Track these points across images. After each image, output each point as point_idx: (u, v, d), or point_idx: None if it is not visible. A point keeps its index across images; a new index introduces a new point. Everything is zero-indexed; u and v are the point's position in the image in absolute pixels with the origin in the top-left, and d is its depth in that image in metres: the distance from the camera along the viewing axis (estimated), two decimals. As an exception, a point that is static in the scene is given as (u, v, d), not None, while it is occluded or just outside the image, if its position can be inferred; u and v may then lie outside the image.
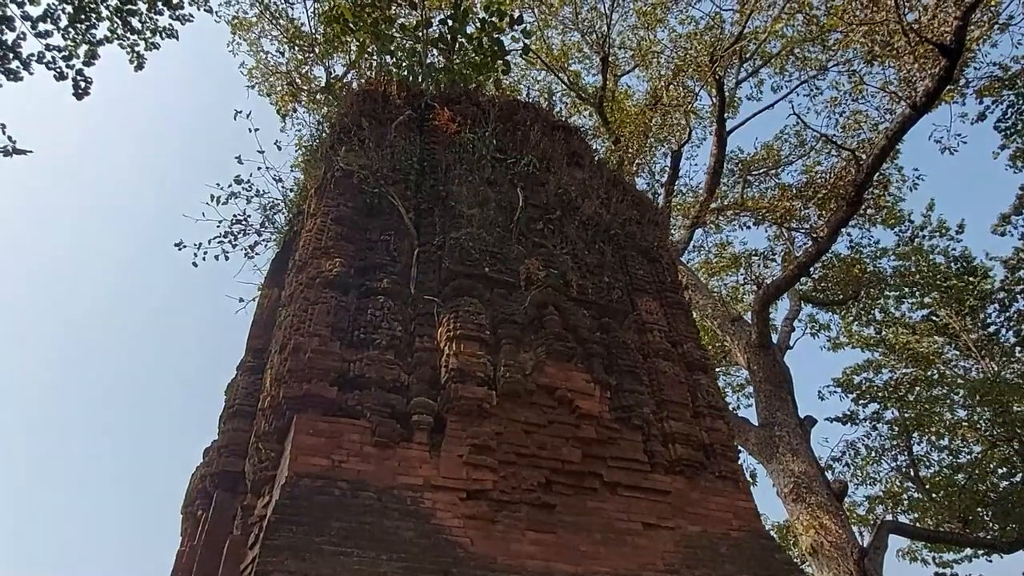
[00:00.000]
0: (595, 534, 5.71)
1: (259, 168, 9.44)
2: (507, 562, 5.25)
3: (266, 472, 5.99)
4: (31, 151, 9.35)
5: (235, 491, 6.84)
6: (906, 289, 15.97)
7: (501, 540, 5.41)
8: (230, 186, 9.37)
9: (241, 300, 9.31)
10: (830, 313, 16.14)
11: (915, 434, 14.60)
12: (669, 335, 7.46)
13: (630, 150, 14.09)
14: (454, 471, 5.63)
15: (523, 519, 5.58)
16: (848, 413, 15.54)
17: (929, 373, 15.52)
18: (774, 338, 13.28)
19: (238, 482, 6.80)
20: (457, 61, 9.89)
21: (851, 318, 15.92)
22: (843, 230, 12.77)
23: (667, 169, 15.10)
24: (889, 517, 13.42)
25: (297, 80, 13.60)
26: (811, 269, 13.29)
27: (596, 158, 9.40)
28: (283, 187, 9.44)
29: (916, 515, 14.45)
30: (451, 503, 5.50)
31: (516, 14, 10.86)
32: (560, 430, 6.02)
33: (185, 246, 9.62)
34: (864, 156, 11.91)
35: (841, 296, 14.87)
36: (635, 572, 5.55)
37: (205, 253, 9.62)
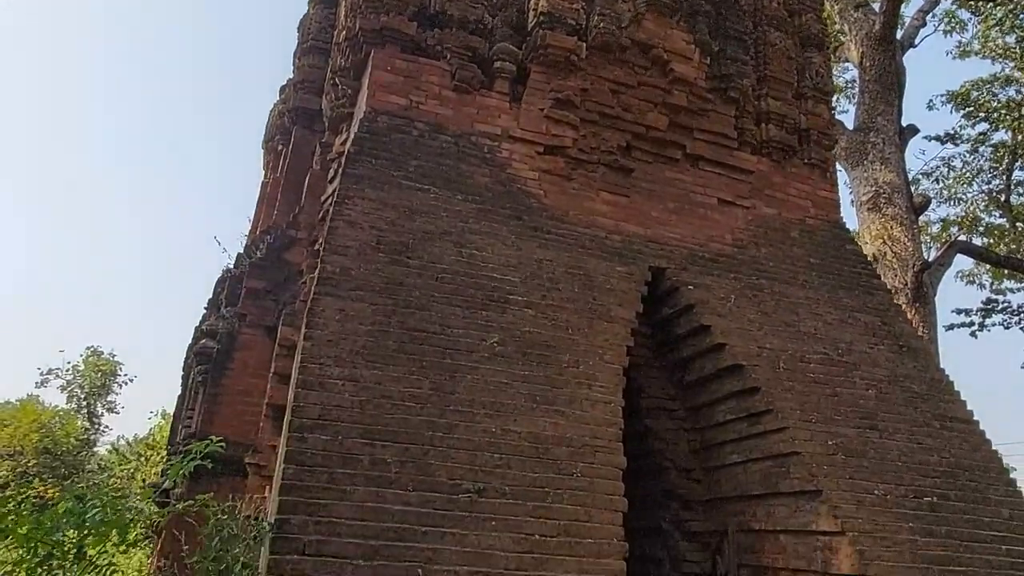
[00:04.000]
0: (669, 203, 5.65)
1: None
2: (578, 216, 5.31)
3: (343, 109, 5.92)
4: None
5: (312, 128, 6.92)
6: (1075, -8, 13.40)
7: (574, 196, 5.41)
8: None
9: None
10: (971, 15, 13.92)
11: (1021, 160, 13.54)
12: (787, 2, 6.51)
13: None
14: (533, 124, 5.44)
15: (598, 179, 5.51)
16: (952, 132, 14.33)
17: (1061, 95, 13.78)
18: (898, 33, 11.70)
19: (315, 119, 6.84)
20: None
21: (994, 21, 13.75)
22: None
23: None
24: (962, 239, 13.16)
25: None
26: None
27: None
28: None
29: (991, 241, 14.14)
30: (528, 156, 5.41)
31: None
32: (649, 93, 5.61)
33: None
34: None
35: (994, -10, 12.61)
36: (702, 242, 5.59)
37: None
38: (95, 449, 26.03)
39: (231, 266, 6.82)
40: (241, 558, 3.58)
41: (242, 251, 6.89)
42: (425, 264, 4.61)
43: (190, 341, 7.26)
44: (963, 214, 14.09)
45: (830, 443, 4.57)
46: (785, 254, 5.76)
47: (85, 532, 3.79)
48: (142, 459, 22.38)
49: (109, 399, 28.42)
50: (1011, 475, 4.97)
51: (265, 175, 7.80)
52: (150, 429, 24.68)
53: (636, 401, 5.38)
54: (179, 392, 7.77)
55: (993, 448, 5.06)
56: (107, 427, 28.19)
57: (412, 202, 4.92)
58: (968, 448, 4.96)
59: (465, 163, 5.26)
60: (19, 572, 4.26)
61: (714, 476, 5.26)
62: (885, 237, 10.75)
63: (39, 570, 4.12)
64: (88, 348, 28.39)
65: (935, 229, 14.13)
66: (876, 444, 4.70)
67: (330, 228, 4.61)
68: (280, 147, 7.39)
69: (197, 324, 7.16)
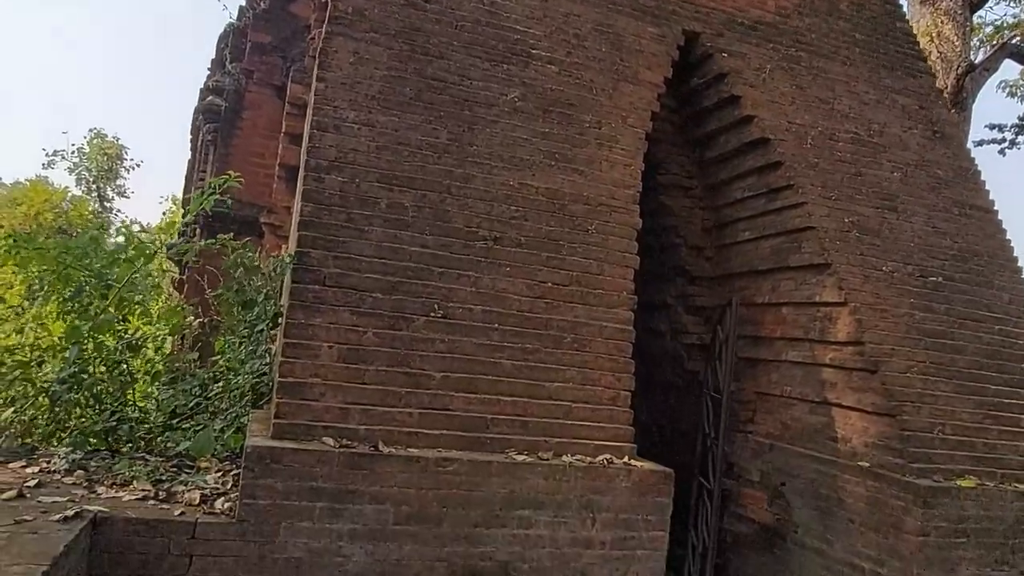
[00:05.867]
0: (711, -39, 5.12)
1: None
2: None
3: None
4: None
5: None
6: None
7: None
8: None
9: None
10: None
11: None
12: None
13: None
14: None
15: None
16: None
17: None
18: None
19: None
20: None
21: None
22: None
23: None
24: (1016, 42, 12.24)
25: None
26: None
27: None
28: None
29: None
30: None
31: None
32: None
33: None
34: None
35: None
36: (742, 7, 5.13)
37: None
38: (109, 232, 26.65)
39: (234, 20, 6.39)
40: (264, 290, 3.72)
41: (244, 3, 6.41)
42: (444, 10, 4.28)
43: (196, 103, 7.03)
44: (1021, 16, 12.99)
45: (846, 220, 4.55)
46: (830, 27, 5.34)
47: (111, 260, 3.90)
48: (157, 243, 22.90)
49: (118, 183, 28.51)
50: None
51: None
52: (162, 214, 25.03)
53: (653, 177, 5.29)
54: (189, 157, 7.67)
55: (1007, 237, 5.06)
56: (119, 211, 28.60)
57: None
58: (982, 235, 4.95)
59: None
60: (52, 299, 4.44)
61: (724, 254, 5.32)
62: (933, 34, 10.01)
63: (71, 304, 4.29)
64: (92, 130, 27.90)
65: (987, 31, 13.09)
66: (892, 224, 4.68)
67: (340, -36, 4.21)
68: None
69: (202, 85, 6.88)
